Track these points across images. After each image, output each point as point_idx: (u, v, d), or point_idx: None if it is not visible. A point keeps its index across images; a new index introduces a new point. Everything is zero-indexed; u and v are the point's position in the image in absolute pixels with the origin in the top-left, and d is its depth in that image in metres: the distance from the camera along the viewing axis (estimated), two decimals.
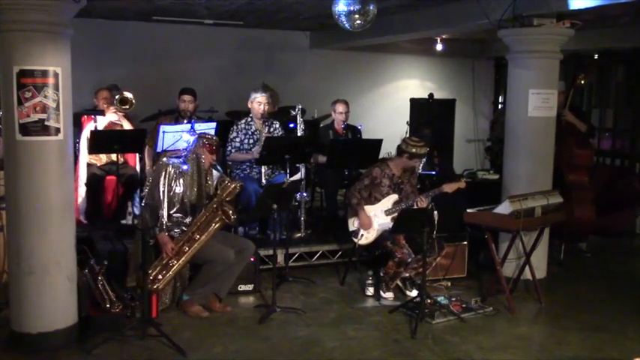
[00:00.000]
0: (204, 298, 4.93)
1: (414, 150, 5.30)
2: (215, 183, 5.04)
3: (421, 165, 6.49)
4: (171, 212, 4.85)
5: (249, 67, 8.73)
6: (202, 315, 4.86)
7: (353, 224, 5.45)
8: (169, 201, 4.82)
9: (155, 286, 4.72)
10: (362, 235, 5.39)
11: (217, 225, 4.81)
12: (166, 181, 4.82)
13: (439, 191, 5.20)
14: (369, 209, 5.38)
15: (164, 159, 5.03)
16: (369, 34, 6.70)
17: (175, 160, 4.94)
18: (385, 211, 5.35)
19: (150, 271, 4.68)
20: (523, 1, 5.23)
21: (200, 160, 4.90)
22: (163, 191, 4.80)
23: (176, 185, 4.85)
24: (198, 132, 5.26)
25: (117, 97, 6.34)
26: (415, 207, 5.22)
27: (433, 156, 7.39)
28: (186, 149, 5.06)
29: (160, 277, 4.75)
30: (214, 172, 5.10)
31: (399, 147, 5.42)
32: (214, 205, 4.83)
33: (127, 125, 6.39)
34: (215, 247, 4.86)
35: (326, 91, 8.70)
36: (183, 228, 4.86)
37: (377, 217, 5.37)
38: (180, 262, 4.77)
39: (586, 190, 6.35)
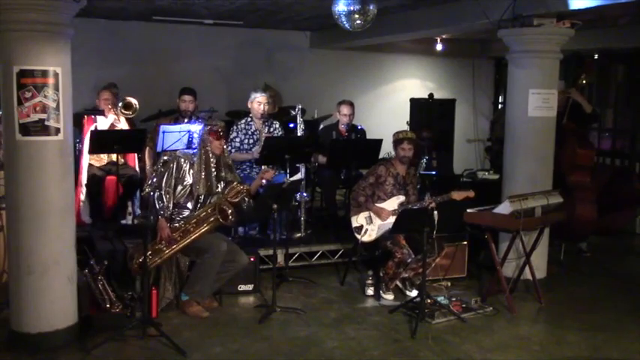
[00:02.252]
0: (202, 295, 4.93)
1: (394, 137, 5.44)
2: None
3: (422, 165, 6.49)
4: (179, 202, 4.90)
5: (249, 67, 8.73)
6: (202, 315, 4.86)
7: (356, 221, 5.45)
8: (175, 188, 4.87)
9: (153, 261, 4.76)
10: (365, 230, 5.39)
11: (211, 224, 4.82)
12: (173, 171, 4.86)
13: (447, 198, 5.19)
14: None
15: (176, 152, 5.08)
16: (369, 34, 6.69)
17: (187, 151, 5.02)
18: (392, 211, 5.35)
19: (156, 243, 4.78)
20: (523, 1, 5.24)
21: (207, 149, 4.92)
22: (169, 177, 4.85)
23: (185, 175, 4.89)
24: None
25: (120, 103, 6.34)
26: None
27: (432, 157, 7.39)
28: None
29: (164, 249, 4.78)
30: None
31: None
32: (215, 204, 4.84)
33: (123, 124, 6.38)
34: (208, 237, 4.88)
35: (326, 91, 8.71)
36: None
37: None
38: (169, 250, 4.79)
39: (588, 190, 6.35)
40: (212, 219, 4.81)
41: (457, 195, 5.17)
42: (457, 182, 7.30)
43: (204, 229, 4.82)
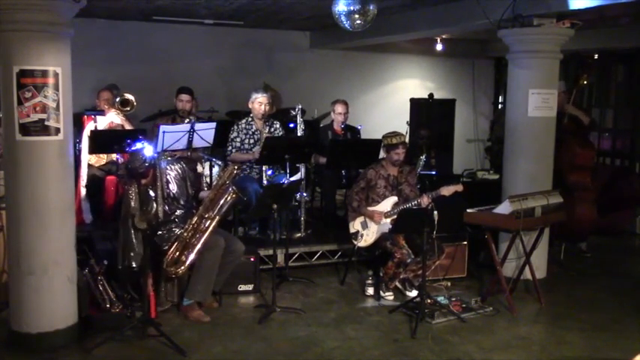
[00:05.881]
0: (205, 294, 4.93)
1: (386, 141, 5.41)
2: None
3: (421, 163, 6.48)
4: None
5: (249, 67, 8.74)
6: (203, 320, 4.83)
7: (353, 226, 5.46)
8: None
9: (179, 269, 4.71)
10: (361, 236, 5.40)
11: (230, 199, 4.82)
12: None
13: (436, 194, 5.18)
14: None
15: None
16: (369, 34, 6.70)
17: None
18: (384, 214, 5.35)
19: (169, 254, 4.73)
20: (523, 1, 5.23)
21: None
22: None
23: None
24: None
25: (118, 98, 6.34)
26: (416, 207, 5.22)
27: (430, 156, 7.39)
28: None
29: (182, 258, 4.73)
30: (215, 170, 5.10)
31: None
32: (221, 183, 4.87)
33: (128, 127, 6.39)
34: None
35: (326, 91, 8.71)
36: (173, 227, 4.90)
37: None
38: (201, 241, 4.75)
39: (588, 191, 6.35)
40: (226, 195, 4.80)
41: (446, 190, 5.16)
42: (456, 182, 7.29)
43: (225, 206, 4.81)
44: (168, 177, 4.95)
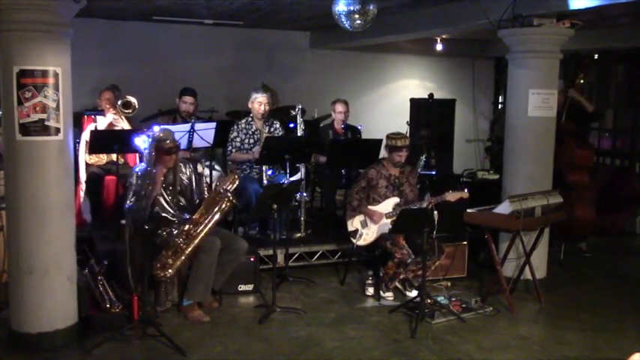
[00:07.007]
0: (205, 294, 4.93)
1: (390, 142, 5.39)
2: (215, 182, 5.01)
3: (421, 163, 6.49)
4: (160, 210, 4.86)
5: (249, 67, 8.74)
6: (203, 320, 4.82)
7: (352, 225, 5.45)
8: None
9: (164, 273, 4.69)
10: (361, 235, 5.40)
11: (225, 207, 4.80)
12: (138, 184, 4.71)
13: (441, 199, 5.16)
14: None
15: (133, 167, 4.94)
16: (369, 34, 6.70)
17: (142, 166, 4.84)
18: (385, 214, 5.35)
19: (159, 259, 4.72)
20: (523, 1, 5.23)
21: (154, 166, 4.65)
22: (137, 191, 4.70)
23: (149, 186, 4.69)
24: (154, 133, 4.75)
25: (120, 101, 6.34)
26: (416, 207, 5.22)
27: (430, 157, 7.39)
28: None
29: (169, 261, 4.72)
30: (214, 172, 5.06)
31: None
32: (218, 191, 4.84)
33: (126, 126, 6.39)
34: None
35: (326, 91, 8.71)
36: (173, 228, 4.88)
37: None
38: (191, 246, 4.73)
39: (586, 190, 6.35)
40: (220, 203, 4.77)
41: (451, 196, 5.15)
42: (456, 182, 7.30)
43: (220, 210, 4.77)
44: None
